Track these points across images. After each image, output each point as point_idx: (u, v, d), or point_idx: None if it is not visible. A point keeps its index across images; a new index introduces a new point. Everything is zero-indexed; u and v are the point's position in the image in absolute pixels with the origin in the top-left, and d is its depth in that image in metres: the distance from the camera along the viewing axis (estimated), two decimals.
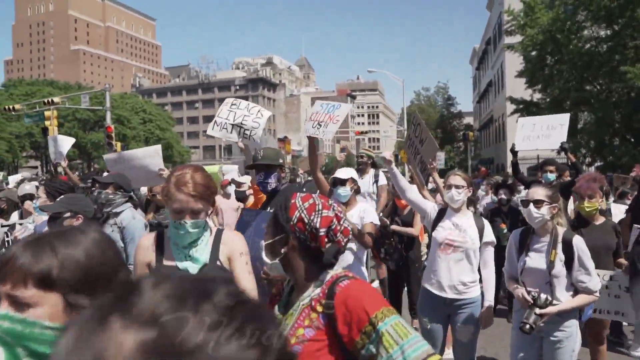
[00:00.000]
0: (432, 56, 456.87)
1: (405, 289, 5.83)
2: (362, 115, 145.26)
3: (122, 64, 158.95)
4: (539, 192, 3.31)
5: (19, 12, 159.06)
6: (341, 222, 1.70)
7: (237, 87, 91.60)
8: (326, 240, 1.65)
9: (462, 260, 3.65)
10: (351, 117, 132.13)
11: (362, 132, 46.26)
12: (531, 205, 3.26)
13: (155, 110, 64.95)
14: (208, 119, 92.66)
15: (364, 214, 4.08)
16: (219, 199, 8.89)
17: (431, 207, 3.94)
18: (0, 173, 20.30)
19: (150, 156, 4.66)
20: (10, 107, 25.79)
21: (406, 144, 4.83)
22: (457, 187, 3.71)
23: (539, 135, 6.20)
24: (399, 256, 5.55)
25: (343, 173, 4.16)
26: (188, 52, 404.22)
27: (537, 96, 21.80)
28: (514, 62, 25.78)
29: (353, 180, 4.17)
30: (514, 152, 6.40)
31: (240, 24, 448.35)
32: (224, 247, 2.31)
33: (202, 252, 2.26)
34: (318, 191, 4.16)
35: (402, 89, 37.97)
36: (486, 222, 3.81)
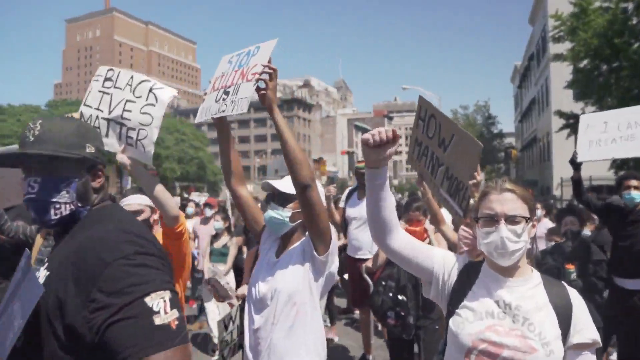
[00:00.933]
0: (469, 75, 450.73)
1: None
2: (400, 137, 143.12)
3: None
4: None
5: (69, 38, 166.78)
6: None
7: None
8: None
9: None
10: None
11: (397, 152, 44.15)
12: None
13: (189, 130, 65.19)
14: (243, 139, 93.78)
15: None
16: (195, 224, 7.35)
17: (442, 261, 1.87)
18: None
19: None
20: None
21: (412, 151, 2.90)
22: (511, 219, 1.69)
23: (615, 138, 4.21)
24: (416, 319, 3.64)
25: (284, 183, 2.39)
26: None
27: (590, 109, 19.45)
28: (560, 74, 23.57)
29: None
30: (576, 165, 4.47)
31: (279, 47, 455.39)
32: None
33: None
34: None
35: (438, 106, 36.03)
36: (575, 295, 1.73)
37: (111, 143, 2.50)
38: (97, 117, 2.55)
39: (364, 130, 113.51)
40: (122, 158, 2.47)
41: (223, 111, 2.31)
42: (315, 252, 2.20)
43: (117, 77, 2.60)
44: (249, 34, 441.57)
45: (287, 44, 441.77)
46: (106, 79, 2.63)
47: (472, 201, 2.27)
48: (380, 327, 5.54)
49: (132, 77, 2.58)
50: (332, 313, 6.52)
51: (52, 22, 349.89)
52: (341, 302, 8.08)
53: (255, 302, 2.29)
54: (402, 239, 1.87)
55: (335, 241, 2.26)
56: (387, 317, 3.65)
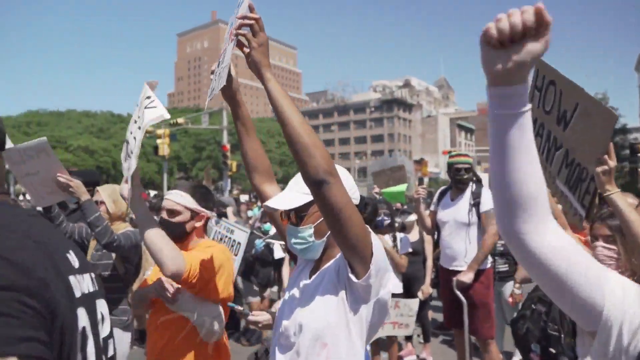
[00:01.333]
0: (585, 66, 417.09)
1: None
2: None
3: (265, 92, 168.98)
4: None
5: (180, 51, 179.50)
6: None
7: (372, 109, 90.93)
8: None
9: None
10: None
11: None
12: None
13: None
14: (343, 141, 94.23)
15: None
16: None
17: (622, 297, 0.95)
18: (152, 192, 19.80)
19: (37, 153, 2.53)
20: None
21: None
22: None
23: None
24: None
25: (286, 196, 1.69)
26: (328, 78, 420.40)
27: None
28: None
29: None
30: None
31: (378, 48, 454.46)
32: None
33: None
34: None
35: None
36: None
37: (126, 167, 2.06)
38: (127, 140, 2.13)
39: (468, 130, 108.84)
40: (124, 189, 1.99)
41: (213, 89, 1.77)
42: (351, 275, 1.48)
43: (143, 96, 2.13)
44: (348, 35, 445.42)
45: (386, 44, 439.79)
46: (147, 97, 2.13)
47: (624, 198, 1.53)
48: (480, 348, 4.71)
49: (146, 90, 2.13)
50: (426, 329, 5.79)
51: (165, 36, 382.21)
52: (439, 316, 7.27)
53: (279, 336, 1.66)
54: (551, 235, 0.97)
55: (382, 255, 1.52)
56: (531, 351, 2.77)
